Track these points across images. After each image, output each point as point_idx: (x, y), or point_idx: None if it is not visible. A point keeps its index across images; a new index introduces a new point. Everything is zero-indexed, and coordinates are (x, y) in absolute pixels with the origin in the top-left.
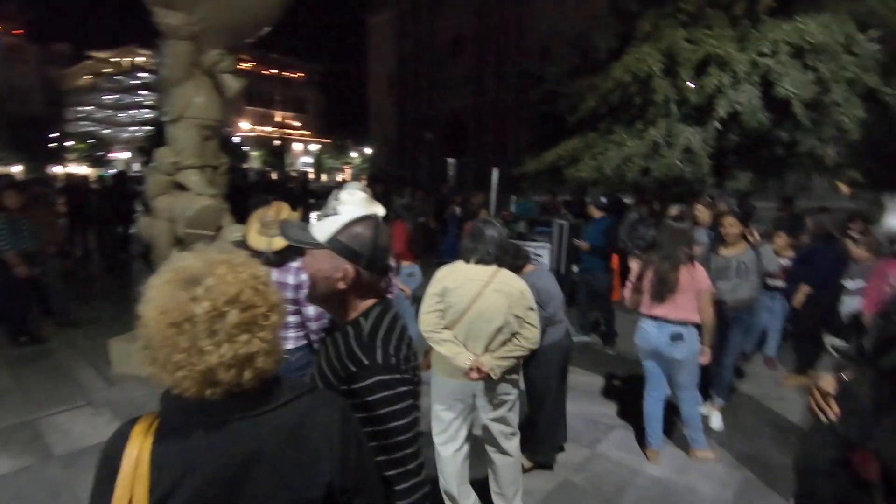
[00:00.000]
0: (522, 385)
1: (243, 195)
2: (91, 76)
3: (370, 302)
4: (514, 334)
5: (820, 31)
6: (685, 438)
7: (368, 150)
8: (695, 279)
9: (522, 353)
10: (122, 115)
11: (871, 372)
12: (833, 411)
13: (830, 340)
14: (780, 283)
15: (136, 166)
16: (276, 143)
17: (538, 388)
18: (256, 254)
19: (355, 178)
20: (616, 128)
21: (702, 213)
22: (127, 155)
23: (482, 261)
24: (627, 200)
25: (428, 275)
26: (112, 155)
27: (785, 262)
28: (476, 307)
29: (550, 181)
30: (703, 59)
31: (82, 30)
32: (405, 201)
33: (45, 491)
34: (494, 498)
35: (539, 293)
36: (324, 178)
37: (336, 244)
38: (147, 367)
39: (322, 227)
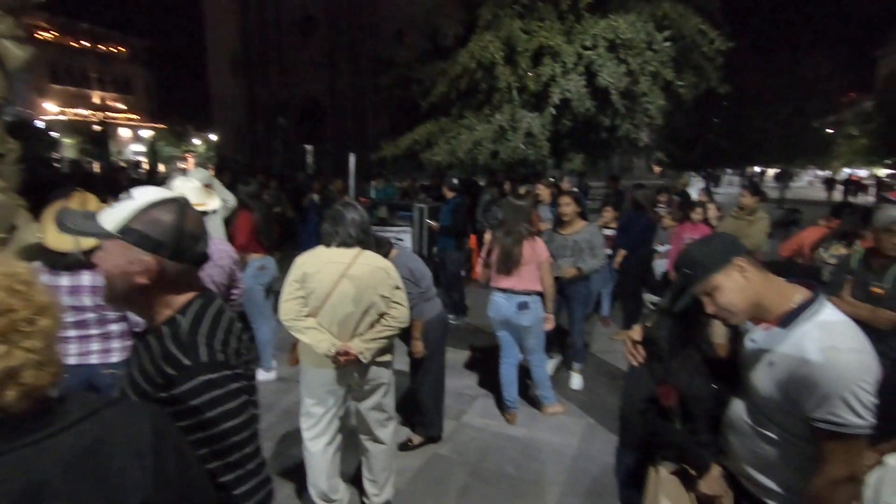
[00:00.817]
0: (398, 366)
1: (48, 189)
2: None
3: (187, 296)
4: (381, 315)
5: (628, 29)
6: (538, 398)
7: (214, 137)
8: (535, 252)
9: (392, 334)
10: None
11: (668, 318)
12: (640, 355)
13: (649, 297)
14: (608, 251)
15: None
16: (96, 128)
17: (424, 364)
18: (61, 256)
19: (200, 166)
20: (466, 113)
21: (543, 192)
22: None
23: (344, 244)
24: (482, 183)
25: (284, 267)
26: None
27: (610, 232)
28: (339, 291)
29: (409, 166)
30: (538, 49)
31: None
32: (251, 189)
33: None
34: (366, 485)
35: (413, 272)
36: (162, 168)
37: (130, 233)
38: None
39: (111, 215)
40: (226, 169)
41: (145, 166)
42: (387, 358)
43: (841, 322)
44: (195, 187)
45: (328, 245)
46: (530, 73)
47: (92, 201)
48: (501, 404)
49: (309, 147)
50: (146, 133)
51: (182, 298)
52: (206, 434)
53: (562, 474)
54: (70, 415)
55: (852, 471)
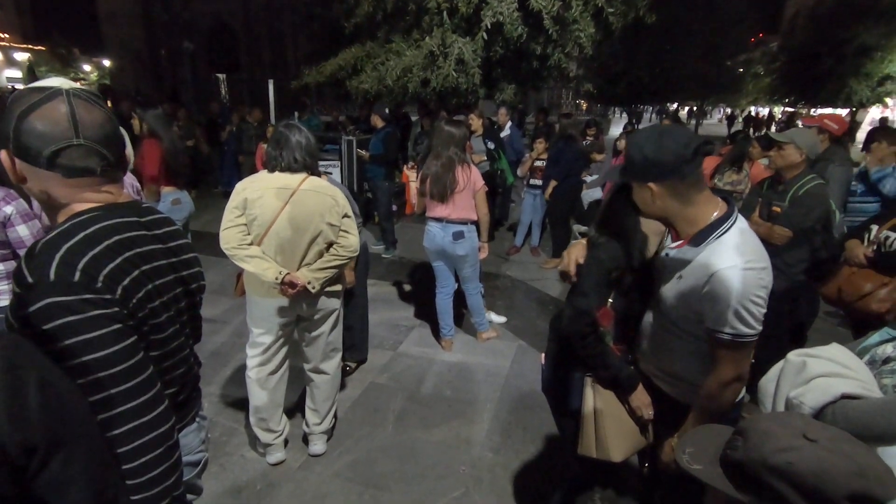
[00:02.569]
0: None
1: None
2: None
3: (74, 209)
4: (330, 244)
5: None
6: (472, 326)
7: (107, 63)
8: (470, 179)
9: (342, 263)
10: None
11: (607, 239)
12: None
13: (577, 227)
14: (539, 182)
15: None
16: None
17: (353, 292)
18: None
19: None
20: (394, 37)
21: (475, 122)
22: None
23: (288, 168)
24: (414, 117)
25: (201, 206)
26: None
27: (541, 164)
28: (283, 218)
29: (334, 96)
30: None
31: None
32: (158, 112)
33: None
34: (308, 414)
35: None
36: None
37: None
38: None
39: None
40: (124, 98)
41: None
42: (336, 288)
43: (746, 241)
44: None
45: (271, 170)
46: None
47: None
48: (437, 333)
49: (221, 76)
50: (21, 56)
51: (68, 211)
52: (68, 365)
53: (494, 393)
54: None
55: (739, 372)
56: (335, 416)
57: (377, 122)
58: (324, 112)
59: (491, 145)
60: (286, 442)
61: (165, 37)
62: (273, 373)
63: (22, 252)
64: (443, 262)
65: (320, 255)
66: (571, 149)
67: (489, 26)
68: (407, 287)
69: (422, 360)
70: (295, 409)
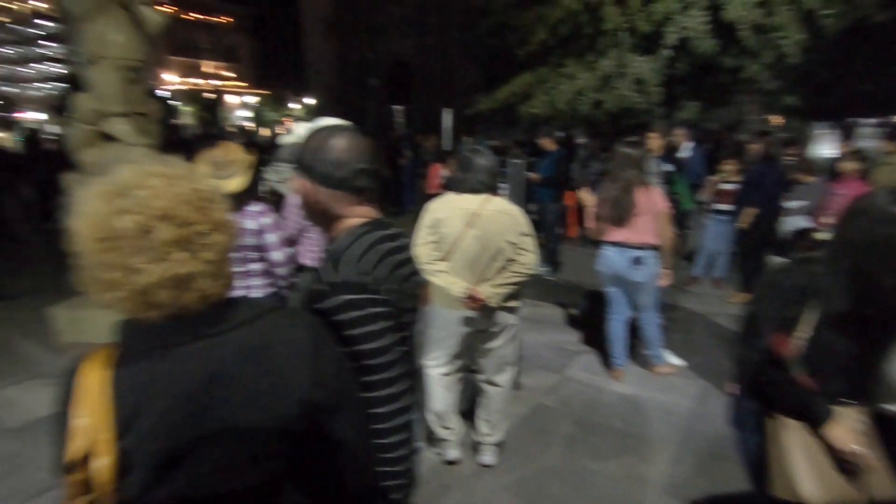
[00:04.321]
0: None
1: (185, 149)
2: None
3: (353, 222)
4: (510, 261)
5: None
6: (646, 357)
7: (310, 101)
8: (651, 201)
9: (520, 280)
10: (27, 71)
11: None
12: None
13: (772, 258)
14: (728, 207)
15: (45, 126)
16: (208, 96)
17: None
18: None
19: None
20: (567, 61)
21: (654, 142)
22: (41, 115)
23: (473, 189)
24: (580, 140)
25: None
26: (20, 115)
27: (731, 186)
28: (469, 236)
29: (501, 122)
30: None
31: None
32: None
33: (3, 464)
34: (480, 424)
35: None
36: (264, 132)
37: (300, 163)
38: (84, 288)
39: (291, 148)
40: None
41: (249, 130)
42: (514, 304)
43: None
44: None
45: (458, 191)
46: (640, 12)
47: (235, 150)
48: (606, 361)
49: (398, 107)
50: (251, 99)
51: (348, 223)
52: (349, 351)
53: (674, 433)
54: (240, 317)
55: None
56: (505, 429)
57: (548, 145)
58: (490, 137)
59: (668, 167)
60: (460, 446)
61: (354, 76)
62: (451, 377)
63: (272, 254)
64: (618, 287)
65: (501, 271)
66: (774, 172)
67: (676, 42)
68: (571, 310)
69: (590, 387)
70: (465, 417)
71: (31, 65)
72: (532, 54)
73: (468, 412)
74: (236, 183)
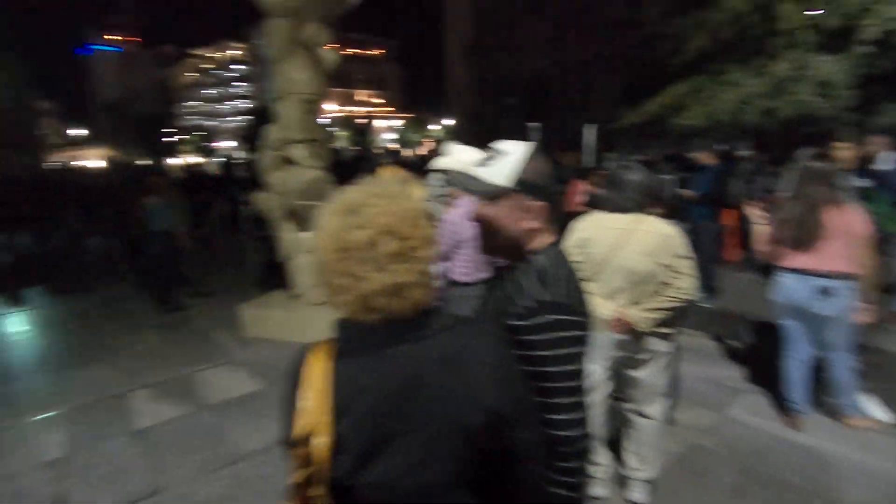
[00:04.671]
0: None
1: (346, 168)
2: (195, 73)
3: (548, 239)
4: (663, 285)
5: None
6: (834, 406)
7: (448, 122)
8: (847, 223)
9: (674, 305)
10: (223, 107)
11: None
12: None
13: None
14: None
15: (236, 153)
16: (360, 121)
17: None
18: None
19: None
20: (729, 67)
21: (845, 153)
22: (231, 143)
23: (622, 208)
24: (741, 153)
25: None
26: (217, 144)
27: None
28: (616, 257)
29: (649, 134)
30: None
31: (184, 30)
32: None
33: (203, 434)
34: (628, 458)
35: None
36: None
37: (523, 184)
38: (321, 287)
39: (498, 171)
40: None
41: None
42: (666, 331)
43: None
44: (475, 156)
45: (607, 210)
46: (828, 5)
47: (399, 173)
48: (777, 403)
49: (535, 124)
50: (396, 123)
51: (544, 240)
52: (533, 370)
53: (875, 502)
54: (439, 325)
55: None
56: (657, 467)
57: (706, 159)
58: (633, 152)
59: (865, 182)
60: (605, 481)
61: (491, 96)
62: (598, 403)
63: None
64: (798, 321)
65: (653, 295)
66: None
67: (881, 36)
68: (732, 342)
69: (758, 432)
70: (613, 450)
71: (226, 102)
72: (687, 63)
73: (616, 446)
74: None
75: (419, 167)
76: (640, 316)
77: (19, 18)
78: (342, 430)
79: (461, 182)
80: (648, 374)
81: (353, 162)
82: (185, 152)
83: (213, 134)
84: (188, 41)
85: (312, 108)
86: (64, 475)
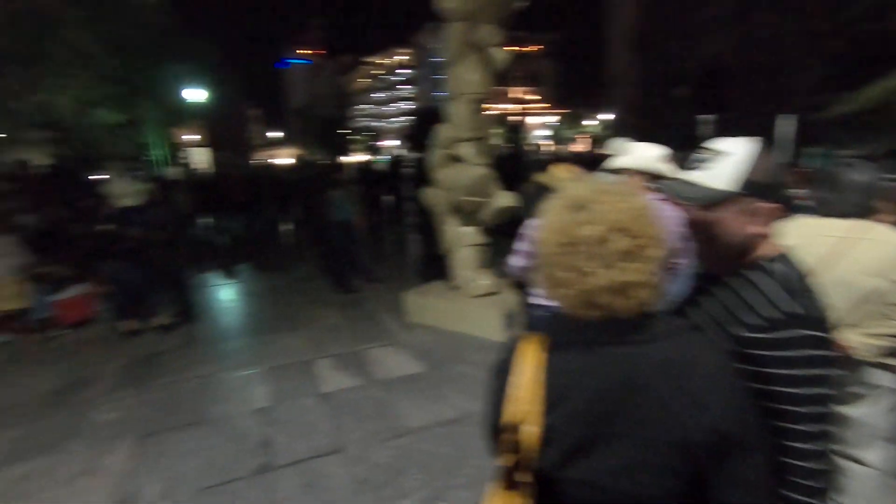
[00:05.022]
0: None
1: (507, 165)
2: (367, 79)
3: (777, 245)
4: (892, 305)
5: None
6: None
7: (605, 117)
8: None
9: None
10: (388, 109)
11: None
12: None
13: None
14: None
15: (401, 151)
16: (513, 119)
17: None
18: None
19: (596, 143)
20: None
21: None
22: (395, 143)
23: (842, 213)
24: None
25: None
26: (381, 143)
27: None
28: (832, 270)
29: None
30: None
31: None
32: None
33: (374, 405)
34: None
35: None
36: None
37: (752, 185)
38: (540, 279)
39: (719, 174)
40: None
41: (544, 149)
42: (895, 362)
43: None
44: (658, 154)
45: (823, 214)
46: None
47: (565, 172)
48: None
49: (707, 116)
50: (550, 119)
51: (775, 245)
52: (770, 389)
53: None
54: (662, 329)
55: None
56: None
57: None
58: (843, 146)
59: None
60: None
61: (658, 87)
62: None
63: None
64: None
65: (880, 317)
66: None
67: None
68: None
69: None
70: None
71: (391, 105)
72: None
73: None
74: None
75: (592, 165)
76: (861, 342)
77: (234, 41)
78: (552, 422)
79: (675, 190)
80: (867, 413)
81: (508, 159)
82: (355, 151)
83: (379, 134)
84: (363, 50)
85: (480, 107)
86: (268, 422)
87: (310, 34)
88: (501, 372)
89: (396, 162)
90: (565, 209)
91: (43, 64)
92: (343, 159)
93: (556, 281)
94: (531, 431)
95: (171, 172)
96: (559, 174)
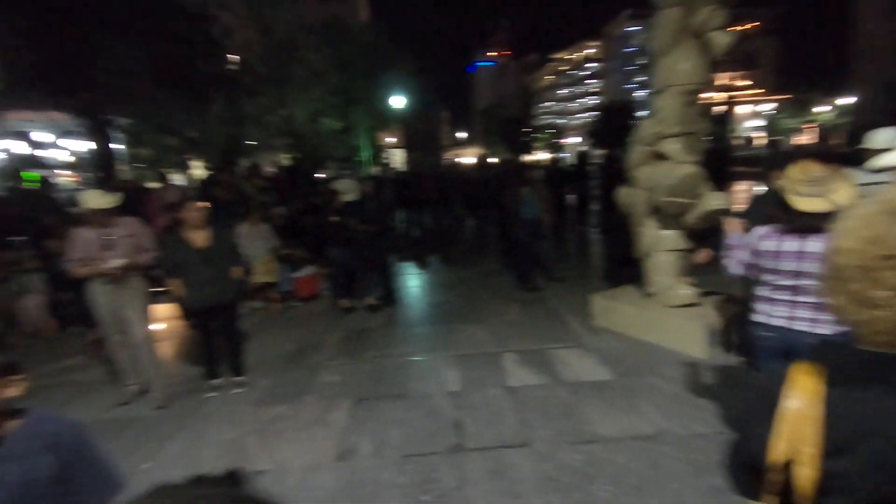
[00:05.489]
0: None
1: (712, 161)
2: (552, 76)
3: None
4: None
5: None
6: None
7: (842, 101)
8: None
9: None
10: (573, 105)
11: None
12: None
13: None
14: None
15: (585, 148)
16: (718, 108)
17: None
18: (799, 218)
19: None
20: None
21: None
22: (577, 140)
23: None
24: None
25: None
26: (564, 141)
27: None
28: None
29: None
30: None
31: (546, 38)
32: None
33: (561, 406)
34: None
35: None
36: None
37: None
38: (832, 298)
39: None
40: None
41: (757, 142)
42: None
43: None
44: None
45: None
46: None
47: (815, 168)
48: None
49: None
50: (764, 107)
51: None
52: None
53: None
54: None
55: None
56: None
57: None
58: None
59: None
60: None
61: None
62: None
63: None
64: None
65: None
66: None
67: None
68: None
69: None
70: None
71: (576, 101)
72: None
73: None
74: (841, 196)
75: (844, 161)
76: None
77: (430, 50)
78: (839, 468)
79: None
80: None
81: (713, 155)
82: (538, 149)
83: (562, 131)
84: (549, 47)
85: (692, 99)
86: (458, 406)
87: (498, 36)
88: (762, 401)
89: (582, 159)
90: (885, 215)
91: (288, 83)
92: (526, 157)
93: (866, 301)
94: (806, 475)
95: (375, 171)
96: (803, 173)
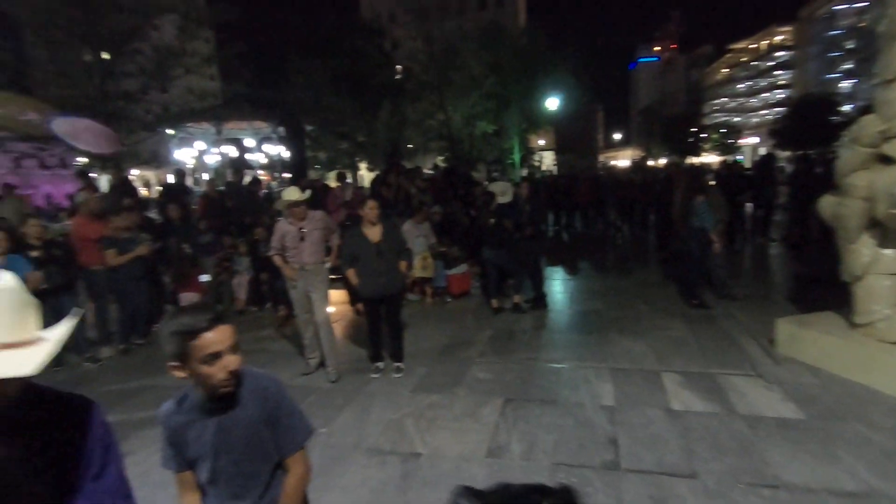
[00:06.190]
0: None
1: None
2: (728, 69)
3: None
4: None
5: None
6: None
7: None
8: None
9: None
10: (753, 101)
11: None
12: None
13: None
14: None
15: (763, 150)
16: None
17: None
18: None
19: None
20: None
21: None
22: (755, 140)
23: None
24: None
25: None
26: (741, 141)
27: None
28: None
29: None
30: None
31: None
32: None
33: (736, 440)
34: None
35: None
36: None
37: None
38: None
39: None
40: None
41: None
42: None
43: None
44: None
45: None
46: None
47: None
48: None
49: None
50: None
51: None
52: None
53: None
54: None
55: None
56: None
57: None
58: None
59: None
60: None
61: None
62: None
63: None
64: None
65: None
66: None
67: None
68: None
69: None
70: None
71: (757, 96)
72: None
73: None
74: None
75: None
76: None
77: (589, 48)
78: None
79: None
80: None
81: None
82: (707, 150)
83: (738, 130)
84: (725, 38)
85: None
86: (614, 422)
87: (666, 29)
88: None
89: (766, 162)
90: None
91: (447, 88)
92: (693, 160)
93: None
94: None
95: (525, 174)
96: None
